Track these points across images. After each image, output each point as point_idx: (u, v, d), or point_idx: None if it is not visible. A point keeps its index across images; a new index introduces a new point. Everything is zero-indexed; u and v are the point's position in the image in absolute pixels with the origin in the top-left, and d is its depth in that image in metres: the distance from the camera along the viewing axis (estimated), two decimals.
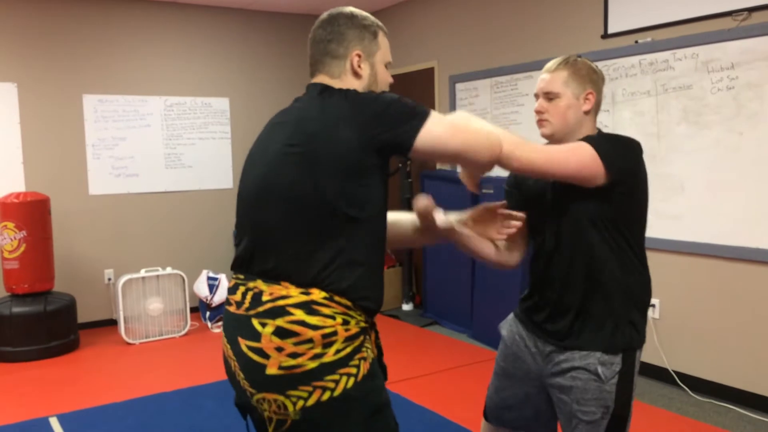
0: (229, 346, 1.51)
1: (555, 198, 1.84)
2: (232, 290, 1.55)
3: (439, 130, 1.48)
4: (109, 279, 5.55)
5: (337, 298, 1.45)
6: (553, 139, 1.88)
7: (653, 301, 4.05)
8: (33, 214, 4.73)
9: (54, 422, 3.57)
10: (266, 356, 1.43)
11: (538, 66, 4.64)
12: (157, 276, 5.23)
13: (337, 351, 1.44)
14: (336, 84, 1.57)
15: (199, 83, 5.87)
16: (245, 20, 6.03)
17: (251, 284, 1.49)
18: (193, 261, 5.77)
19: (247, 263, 1.52)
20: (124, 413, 3.68)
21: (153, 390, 4.03)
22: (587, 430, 1.81)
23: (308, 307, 1.43)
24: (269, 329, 1.43)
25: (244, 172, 1.61)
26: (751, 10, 3.47)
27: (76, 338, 4.97)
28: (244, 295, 1.50)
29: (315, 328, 1.42)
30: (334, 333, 1.43)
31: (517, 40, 4.86)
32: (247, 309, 1.47)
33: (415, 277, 6.09)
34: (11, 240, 4.68)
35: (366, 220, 1.48)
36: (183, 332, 5.26)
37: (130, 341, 5.07)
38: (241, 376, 1.48)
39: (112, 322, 5.50)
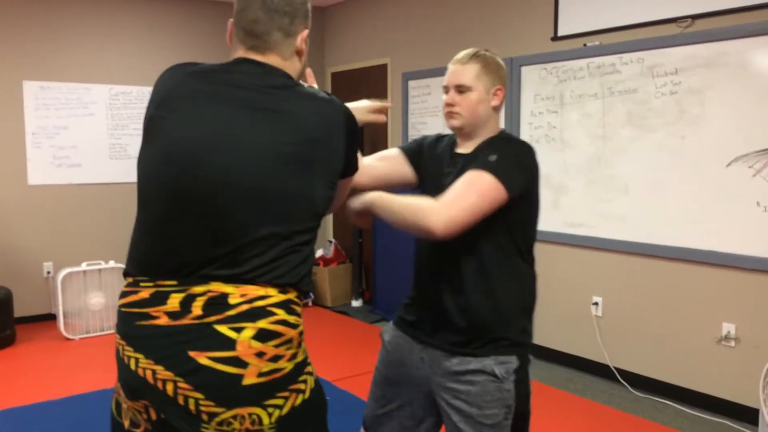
0: (161, 367, 1.28)
1: None
2: (154, 300, 1.30)
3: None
4: (49, 272, 5.37)
5: (301, 297, 1.41)
6: (461, 132, 1.86)
7: (596, 299, 4.14)
8: None
9: None
10: (244, 365, 1.26)
11: None
12: (99, 270, 5.09)
13: (304, 349, 1.39)
14: (287, 68, 1.44)
15: (147, 72, 5.71)
16: (195, 9, 5.91)
17: (198, 289, 1.29)
18: None
19: (195, 267, 1.30)
20: (62, 410, 3.57)
21: (93, 387, 3.91)
22: None
23: (287, 306, 1.33)
24: (248, 333, 1.26)
25: (192, 158, 1.32)
26: (695, 17, 3.58)
27: (13, 333, 4.79)
28: (185, 303, 1.29)
29: (294, 326, 1.34)
30: (302, 332, 1.39)
31: (470, 39, 4.90)
32: (201, 317, 1.27)
33: (365, 274, 6.09)
34: None
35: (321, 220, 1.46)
36: None
37: (70, 337, 4.91)
38: (197, 396, 1.26)
39: (51, 317, 5.31)
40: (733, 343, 3.51)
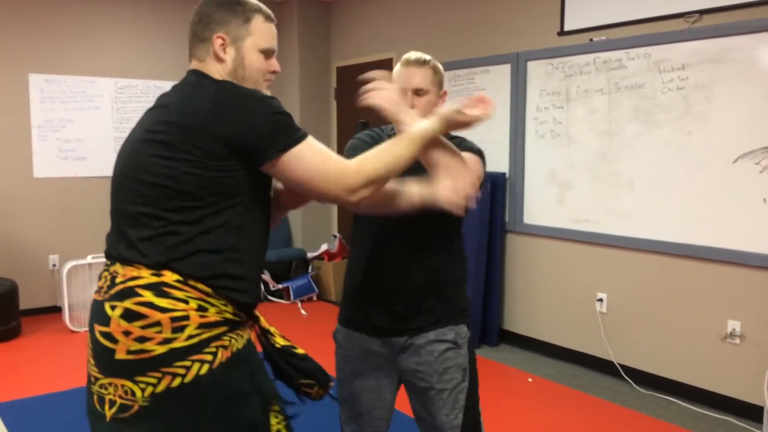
0: (89, 334, 1.51)
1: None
2: (99, 277, 1.54)
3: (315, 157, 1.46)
4: (54, 265, 5.39)
5: (192, 283, 1.42)
6: None
7: (601, 295, 4.13)
8: None
9: None
10: (115, 341, 1.41)
11: (496, 60, 4.67)
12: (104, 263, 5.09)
13: (190, 336, 1.41)
14: (204, 68, 1.56)
15: (152, 66, 5.72)
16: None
17: (112, 269, 1.47)
18: None
19: (110, 248, 1.51)
20: (67, 402, 3.59)
21: None
22: (452, 397, 1.91)
23: (158, 288, 1.41)
24: (117, 312, 1.41)
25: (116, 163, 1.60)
26: (702, 12, 3.55)
27: (18, 325, 4.81)
28: (105, 281, 1.48)
29: (163, 310, 1.39)
30: (186, 317, 1.41)
31: (476, 33, 4.88)
32: (105, 293, 1.46)
33: None
34: None
35: (230, 208, 1.46)
36: None
37: (75, 329, 4.93)
38: (92, 362, 1.47)
39: (57, 309, 5.34)
40: (738, 341, 3.50)
